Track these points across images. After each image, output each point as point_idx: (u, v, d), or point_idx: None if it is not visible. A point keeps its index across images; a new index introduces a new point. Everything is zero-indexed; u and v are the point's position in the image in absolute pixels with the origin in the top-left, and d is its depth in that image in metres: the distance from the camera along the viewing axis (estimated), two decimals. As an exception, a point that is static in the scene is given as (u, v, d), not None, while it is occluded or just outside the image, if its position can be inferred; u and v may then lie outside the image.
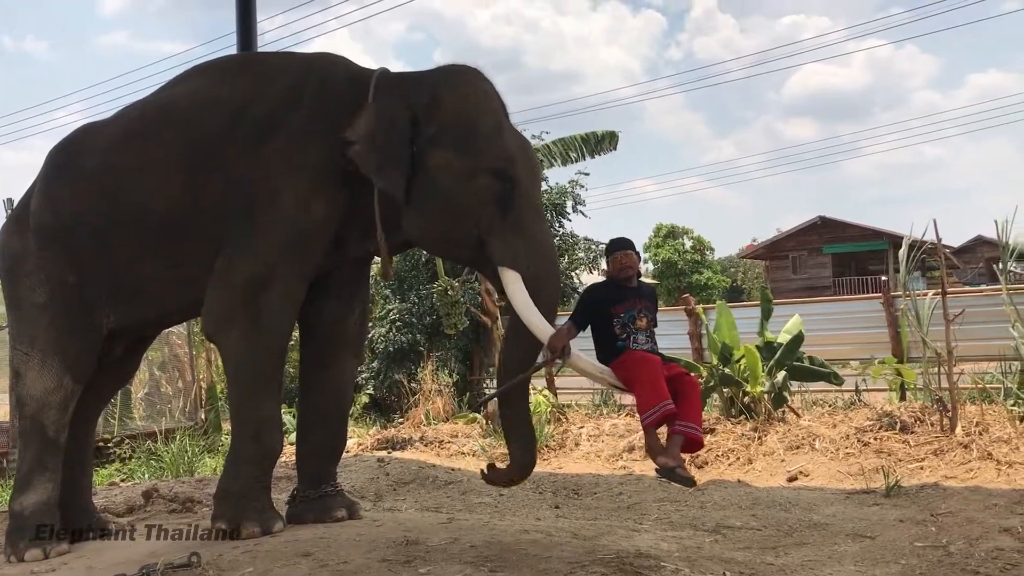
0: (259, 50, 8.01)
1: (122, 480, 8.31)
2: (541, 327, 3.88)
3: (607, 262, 4.20)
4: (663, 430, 3.84)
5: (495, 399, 4.25)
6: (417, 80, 4.21)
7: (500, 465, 4.14)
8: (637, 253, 4.17)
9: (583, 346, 3.98)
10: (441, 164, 3.98)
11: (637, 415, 3.95)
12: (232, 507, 4.13)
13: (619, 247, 4.15)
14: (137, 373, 9.95)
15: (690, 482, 3.81)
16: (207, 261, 4.14)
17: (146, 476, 8.30)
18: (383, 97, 4.07)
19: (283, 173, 4.08)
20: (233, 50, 8.28)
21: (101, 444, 9.21)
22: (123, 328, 4.54)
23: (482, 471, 4.11)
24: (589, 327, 4.09)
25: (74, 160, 4.51)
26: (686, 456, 3.85)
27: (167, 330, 10.40)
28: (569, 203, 15.38)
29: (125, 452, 9.27)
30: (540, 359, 4.02)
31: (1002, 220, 7.68)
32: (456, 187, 3.97)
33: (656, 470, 3.78)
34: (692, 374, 4.19)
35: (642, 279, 4.30)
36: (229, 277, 4.08)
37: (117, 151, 4.38)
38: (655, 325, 4.10)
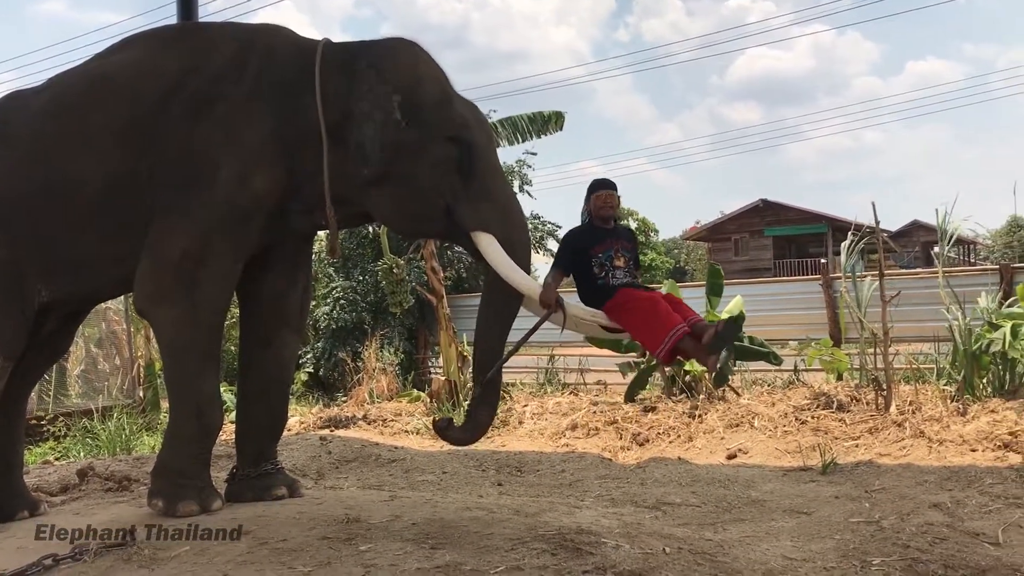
0: (200, 20, 7.83)
1: (56, 459, 8.13)
2: (526, 283, 3.95)
3: (588, 200, 4.26)
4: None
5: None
6: (357, 56, 4.11)
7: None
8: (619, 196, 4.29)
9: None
10: (394, 141, 3.94)
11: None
12: (170, 484, 4.06)
13: (603, 186, 4.27)
14: (73, 350, 9.79)
15: (736, 322, 3.98)
16: (142, 234, 4.03)
17: (81, 455, 8.12)
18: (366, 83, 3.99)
19: (222, 146, 3.98)
20: (173, 20, 8.09)
21: (35, 422, 9.00)
22: (56, 302, 4.42)
23: (434, 420, 4.20)
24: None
25: (3, 129, 4.35)
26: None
27: (104, 306, 10.20)
28: (516, 182, 15.39)
29: (60, 430, 9.07)
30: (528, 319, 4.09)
31: (942, 207, 7.89)
32: (413, 161, 3.94)
33: (706, 350, 3.87)
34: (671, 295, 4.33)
35: (618, 222, 4.40)
36: (164, 251, 3.98)
37: (49, 121, 4.24)
38: (636, 265, 4.24)
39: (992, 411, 6.41)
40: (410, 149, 3.93)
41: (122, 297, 8.92)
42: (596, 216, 4.22)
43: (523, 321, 4.14)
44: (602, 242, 4.14)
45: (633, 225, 35.36)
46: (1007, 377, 7.08)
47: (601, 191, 4.23)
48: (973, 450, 5.82)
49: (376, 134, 3.91)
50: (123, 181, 4.06)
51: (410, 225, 4.45)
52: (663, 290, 8.79)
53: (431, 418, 9.26)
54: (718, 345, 3.90)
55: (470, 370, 10.33)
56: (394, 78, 4.01)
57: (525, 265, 4.04)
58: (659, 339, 3.84)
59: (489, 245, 3.94)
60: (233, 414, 4.79)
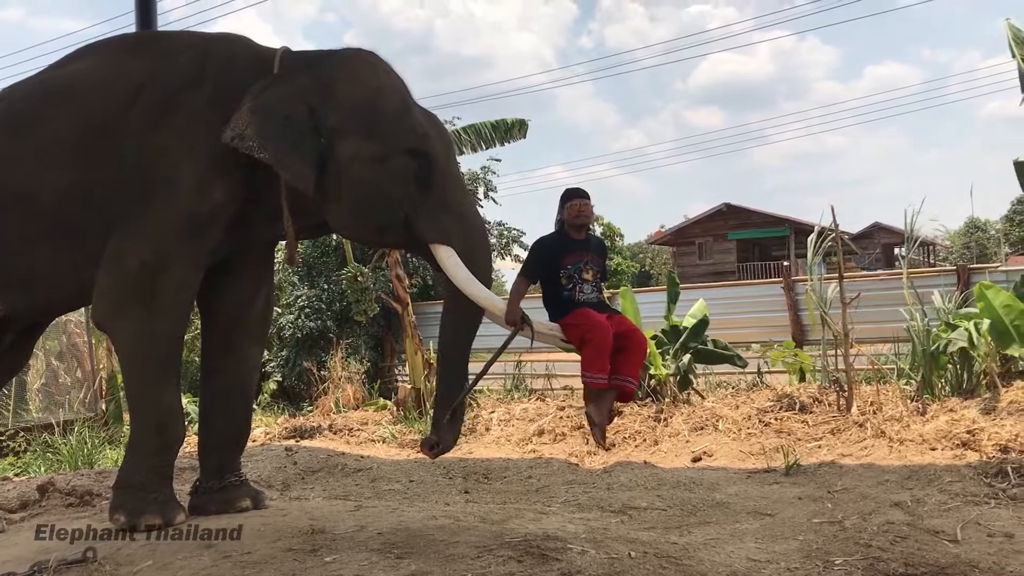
0: (159, 29, 7.76)
1: (16, 475, 7.97)
2: (484, 296, 3.94)
3: (562, 210, 4.25)
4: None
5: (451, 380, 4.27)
6: (314, 66, 4.10)
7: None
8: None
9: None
10: (352, 152, 3.91)
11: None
12: (132, 498, 4.01)
13: (576, 195, 4.26)
14: (34, 363, 9.62)
15: (600, 444, 4.20)
16: (100, 246, 3.99)
17: (42, 470, 7.98)
18: (272, 90, 3.95)
19: (180, 155, 3.95)
20: (133, 29, 8.01)
21: (-8, 438, 8.84)
22: (14, 315, 4.36)
23: (422, 444, 4.19)
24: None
25: None
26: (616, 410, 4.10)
27: (65, 318, 10.03)
28: (481, 189, 15.40)
29: (19, 445, 8.90)
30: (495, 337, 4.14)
31: (909, 209, 8.02)
32: (372, 173, 3.91)
33: (584, 412, 4.08)
34: (641, 331, 4.32)
35: (590, 233, 4.40)
36: (122, 262, 3.94)
37: (6, 133, 4.18)
38: (603, 278, 4.27)
39: (951, 410, 6.52)
40: (369, 160, 3.91)
41: (83, 309, 8.79)
42: (570, 225, 4.22)
43: (486, 329, 4.16)
44: (572, 253, 4.14)
45: (599, 230, 35.55)
46: (964, 376, 7.20)
47: (575, 200, 4.21)
48: (933, 449, 5.91)
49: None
50: (79, 192, 4.01)
51: (369, 236, 4.44)
52: (619, 300, 8.89)
53: (398, 427, 9.25)
54: (588, 423, 4.11)
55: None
56: (352, 90, 4.00)
57: (485, 276, 4.03)
58: (589, 370, 3.94)
59: (448, 258, 3.92)
60: (196, 426, 4.74)
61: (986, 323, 7.00)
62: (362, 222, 4.09)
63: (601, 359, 3.88)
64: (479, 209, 14.25)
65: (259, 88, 3.93)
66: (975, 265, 9.63)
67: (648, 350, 8.04)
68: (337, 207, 4.00)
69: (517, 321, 3.91)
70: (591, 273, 4.13)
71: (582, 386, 4.12)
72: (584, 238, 4.24)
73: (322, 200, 3.95)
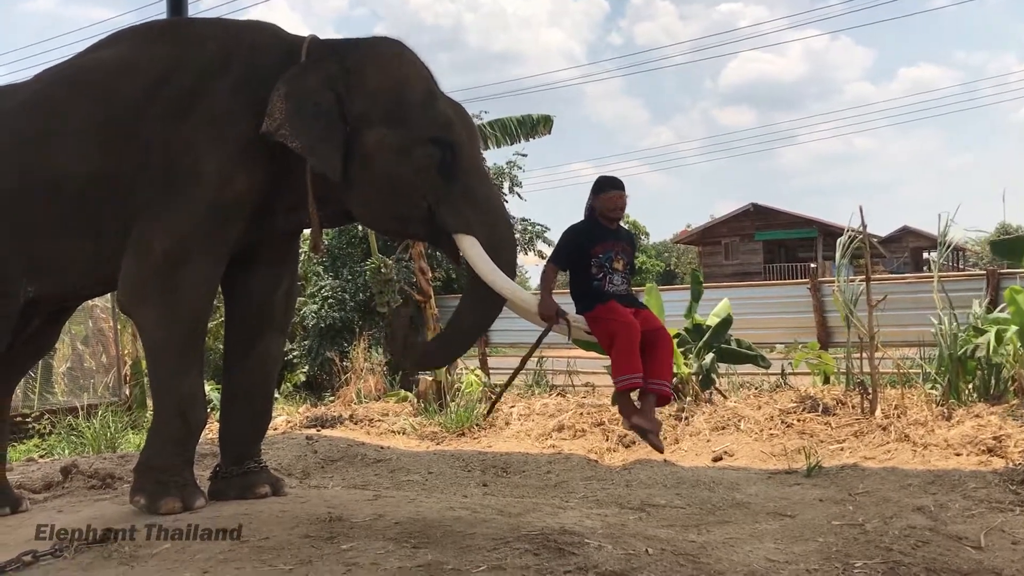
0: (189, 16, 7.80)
1: (41, 456, 8.08)
2: (508, 287, 3.91)
3: (595, 199, 4.11)
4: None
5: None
6: (341, 54, 4.10)
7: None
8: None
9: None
10: (376, 141, 3.91)
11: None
12: (152, 481, 4.04)
13: (612, 186, 4.12)
14: (60, 347, 9.74)
15: (659, 449, 4.05)
16: (125, 233, 4.01)
17: (66, 452, 8.08)
18: (302, 77, 3.94)
19: (205, 144, 3.96)
20: (163, 16, 8.06)
21: (19, 419, 8.94)
22: (42, 299, 4.39)
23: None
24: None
25: None
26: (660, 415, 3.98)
27: (91, 303, 10.14)
28: (506, 184, 15.38)
29: (44, 427, 9.01)
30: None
31: (944, 215, 7.96)
32: (396, 162, 3.91)
33: (628, 427, 3.96)
34: (666, 329, 4.19)
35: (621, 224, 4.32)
36: (146, 249, 3.96)
37: (32, 118, 4.20)
38: (632, 269, 4.16)
39: (977, 416, 6.44)
40: (393, 149, 3.91)
41: (109, 294, 8.88)
42: (603, 216, 4.09)
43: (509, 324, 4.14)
44: (604, 242, 4.03)
45: (623, 228, 35.43)
46: (992, 382, 7.11)
47: (611, 191, 4.08)
48: (957, 454, 5.84)
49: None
50: (104, 178, 4.03)
51: (392, 226, 4.42)
52: (644, 298, 8.82)
53: (418, 419, 9.27)
54: (639, 435, 3.99)
55: (456, 371, 10.39)
56: (378, 78, 4.00)
57: (510, 268, 4.01)
58: (621, 372, 3.82)
59: (471, 248, 3.90)
60: (218, 413, 4.76)
61: (1013, 328, 6.90)
62: (385, 211, 4.08)
63: (632, 359, 3.79)
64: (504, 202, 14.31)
65: (288, 76, 3.93)
66: (1005, 270, 9.47)
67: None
68: (361, 195, 4.00)
69: (553, 316, 3.85)
70: (622, 263, 4.03)
71: (618, 396, 3.98)
72: (615, 228, 4.18)
73: (346, 188, 3.95)
